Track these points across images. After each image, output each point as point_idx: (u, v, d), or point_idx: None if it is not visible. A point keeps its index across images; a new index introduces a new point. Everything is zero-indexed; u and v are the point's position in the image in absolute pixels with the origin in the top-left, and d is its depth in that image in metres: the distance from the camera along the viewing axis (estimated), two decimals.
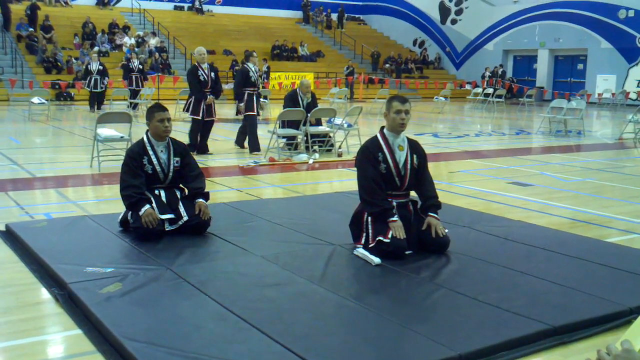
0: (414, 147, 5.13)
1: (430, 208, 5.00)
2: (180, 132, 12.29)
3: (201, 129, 10.59)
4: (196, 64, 10.45)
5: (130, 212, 5.28)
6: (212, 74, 10.54)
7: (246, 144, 11.19)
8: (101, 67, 19.61)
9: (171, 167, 5.46)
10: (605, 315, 3.77)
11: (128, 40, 27.65)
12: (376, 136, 5.07)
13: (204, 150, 10.65)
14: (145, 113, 5.61)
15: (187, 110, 10.58)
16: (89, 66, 19.76)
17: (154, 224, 5.10)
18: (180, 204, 5.40)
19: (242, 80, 11.00)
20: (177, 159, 5.50)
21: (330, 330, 3.50)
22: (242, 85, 11.00)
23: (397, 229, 4.76)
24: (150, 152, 5.40)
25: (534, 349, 3.41)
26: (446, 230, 4.97)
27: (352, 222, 5.10)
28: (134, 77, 20.13)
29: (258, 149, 10.86)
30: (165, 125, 5.41)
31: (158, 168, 5.40)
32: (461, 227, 5.67)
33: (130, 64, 20.51)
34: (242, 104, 11.02)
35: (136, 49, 25.38)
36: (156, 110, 5.48)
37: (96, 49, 25.16)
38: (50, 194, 7.50)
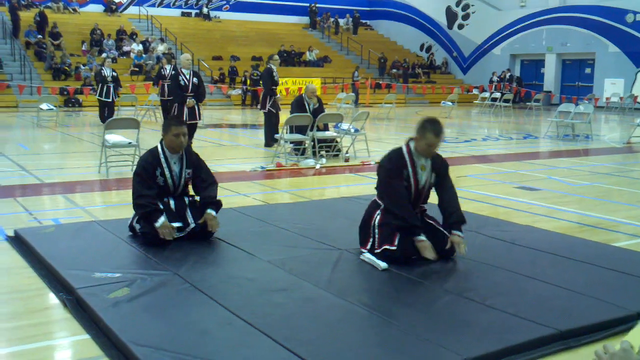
0: (435, 163, 5.00)
1: (453, 225, 4.89)
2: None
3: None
4: (179, 69, 11.03)
5: (138, 218, 5.29)
6: (195, 79, 11.01)
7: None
8: (115, 74, 17.38)
9: (182, 179, 5.42)
10: (612, 319, 3.76)
11: (136, 47, 27.80)
12: (401, 150, 4.93)
13: None
14: (162, 124, 5.54)
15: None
16: (102, 71, 17.16)
17: (171, 235, 5.10)
18: (188, 210, 5.39)
19: (270, 79, 12.65)
20: (189, 170, 5.45)
21: (337, 335, 3.51)
22: (271, 84, 12.64)
23: (426, 250, 4.70)
24: (164, 164, 5.34)
25: (541, 354, 3.41)
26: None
27: (361, 225, 5.08)
28: (166, 86, 15.55)
29: (268, 145, 12.37)
30: (180, 140, 5.32)
31: (170, 181, 5.35)
32: (468, 232, 5.62)
33: (162, 71, 17.12)
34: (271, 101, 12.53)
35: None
36: (173, 123, 5.40)
37: (104, 55, 25.19)
38: (59, 200, 7.54)
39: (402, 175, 4.82)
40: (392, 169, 4.86)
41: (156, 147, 5.43)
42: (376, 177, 5.07)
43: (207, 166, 5.64)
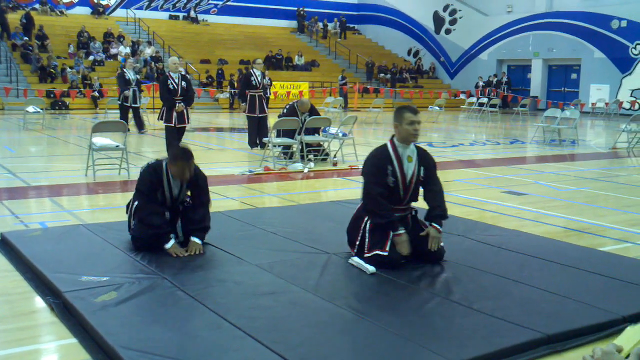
0: (423, 157, 5.02)
1: (434, 218, 4.90)
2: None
3: (174, 136, 10.99)
4: (168, 73, 10.99)
5: (134, 221, 5.22)
6: (183, 82, 10.86)
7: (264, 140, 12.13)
8: (138, 77, 16.62)
9: (180, 197, 5.34)
10: (598, 323, 3.79)
11: (123, 50, 27.70)
12: (385, 146, 4.97)
13: None
14: (170, 150, 5.28)
15: (161, 119, 11.06)
16: (125, 75, 15.94)
17: (181, 254, 5.01)
18: (179, 222, 5.33)
19: (245, 83, 12.92)
20: (189, 191, 5.37)
21: (325, 339, 3.51)
22: (245, 88, 12.83)
23: (402, 244, 4.72)
24: (166, 186, 5.21)
25: (528, 358, 3.42)
26: (442, 243, 4.95)
27: (350, 227, 5.06)
28: None
29: (253, 146, 12.72)
30: (186, 175, 5.14)
31: (168, 200, 5.26)
32: (455, 236, 5.68)
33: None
34: (244, 104, 12.82)
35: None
36: (180, 159, 5.12)
37: (90, 57, 25.06)
38: (45, 203, 7.49)
39: (385, 171, 4.83)
40: (374, 164, 4.89)
41: (160, 166, 5.22)
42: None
43: (207, 187, 5.43)
